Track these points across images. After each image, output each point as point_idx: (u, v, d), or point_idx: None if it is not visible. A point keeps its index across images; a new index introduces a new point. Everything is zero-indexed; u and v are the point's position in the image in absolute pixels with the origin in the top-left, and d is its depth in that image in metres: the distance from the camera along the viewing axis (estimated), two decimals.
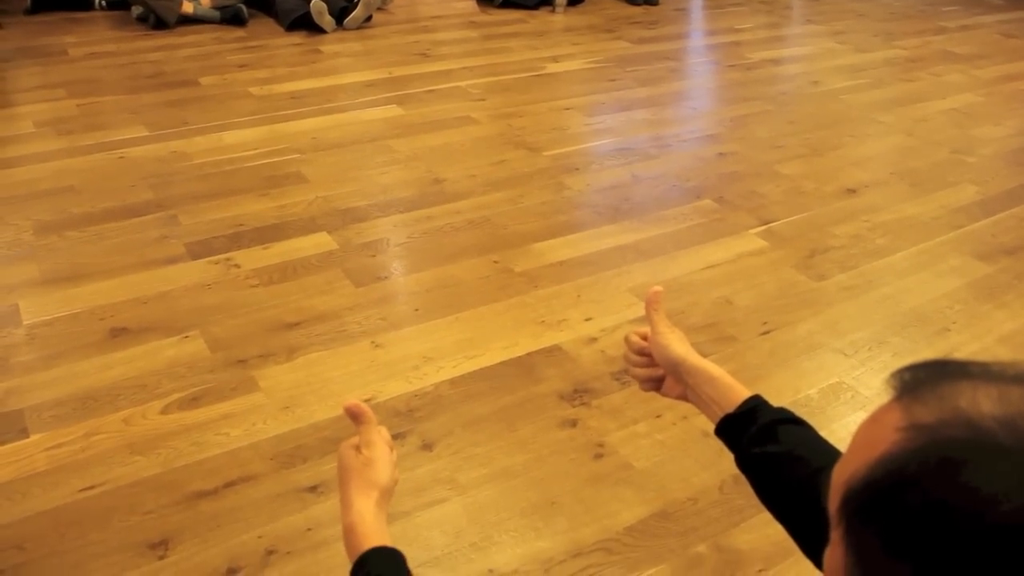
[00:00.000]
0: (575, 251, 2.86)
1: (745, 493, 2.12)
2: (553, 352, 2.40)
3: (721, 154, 3.68)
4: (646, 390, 1.23)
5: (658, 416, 2.22)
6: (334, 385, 2.18)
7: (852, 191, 3.50)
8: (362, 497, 1.02)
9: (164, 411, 2.05)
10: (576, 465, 2.04)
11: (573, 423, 2.16)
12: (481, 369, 2.30)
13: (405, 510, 1.86)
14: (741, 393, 1.11)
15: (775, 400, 1.12)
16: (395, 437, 2.03)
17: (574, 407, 2.21)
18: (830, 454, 1.01)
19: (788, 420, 1.07)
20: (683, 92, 4.38)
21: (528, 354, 2.37)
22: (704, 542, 1.88)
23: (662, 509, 1.95)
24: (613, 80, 4.36)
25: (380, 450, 1.06)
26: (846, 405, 2.29)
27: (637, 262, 2.84)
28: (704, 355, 2.48)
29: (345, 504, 1.02)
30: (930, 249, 3.15)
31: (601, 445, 2.11)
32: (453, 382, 2.24)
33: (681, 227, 3.08)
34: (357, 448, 1.06)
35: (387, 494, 1.05)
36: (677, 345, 1.19)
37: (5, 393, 2.10)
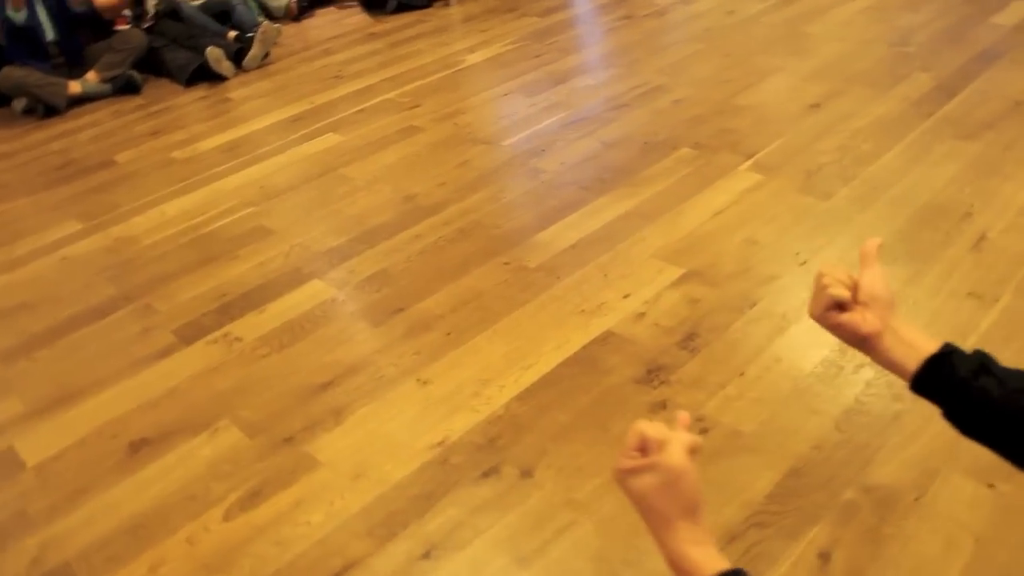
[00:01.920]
0: (580, 232, 2.68)
1: (863, 426, 2.01)
2: (608, 339, 2.21)
3: (676, 101, 3.54)
4: (824, 318, 1.03)
5: (741, 374, 2.06)
6: (398, 436, 1.96)
7: (816, 106, 3.41)
8: (687, 527, 0.86)
9: (227, 517, 1.80)
10: None
11: (663, 405, 1.99)
12: (543, 376, 2.10)
13: (535, 547, 1.66)
14: (934, 339, 0.97)
15: None
16: (488, 473, 1.83)
17: (655, 388, 2.04)
18: None
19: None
20: (612, 51, 4.24)
21: (583, 347, 2.19)
22: (849, 487, 1.73)
23: (792, 467, 1.80)
24: (538, 56, 4.19)
25: (674, 452, 0.89)
26: (911, 311, 2.18)
27: (647, 226, 2.68)
28: (754, 300, 2.36)
29: (673, 543, 0.86)
30: (915, 142, 3.08)
31: (701, 419, 1.94)
32: (521, 398, 2.04)
33: (672, 181, 2.93)
34: (645, 468, 0.89)
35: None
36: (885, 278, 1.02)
37: (40, 549, 1.81)
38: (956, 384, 0.94)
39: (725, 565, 0.82)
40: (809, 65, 3.82)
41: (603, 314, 2.31)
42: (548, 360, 2.16)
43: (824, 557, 1.59)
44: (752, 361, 2.11)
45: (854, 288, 1.02)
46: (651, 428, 0.91)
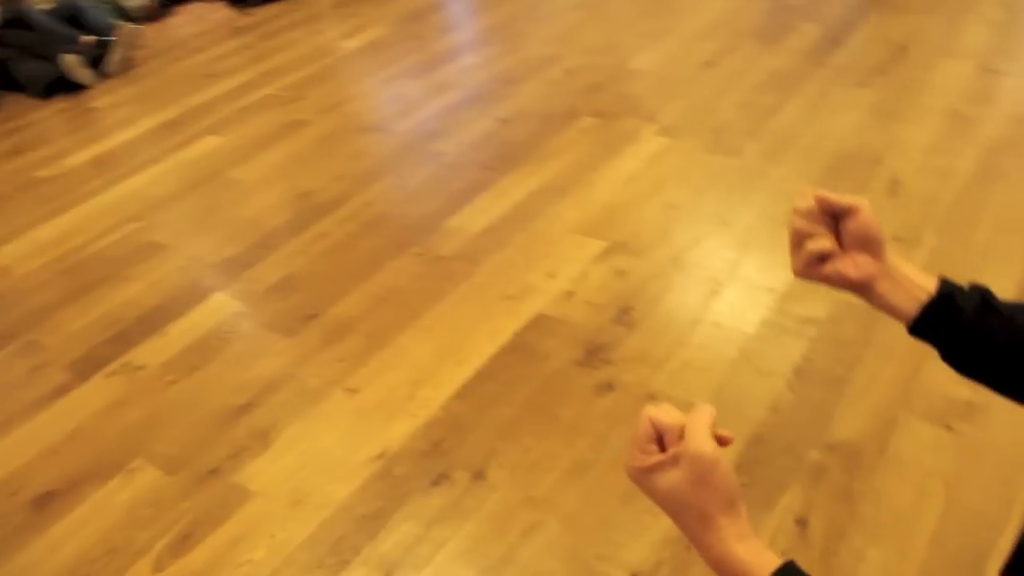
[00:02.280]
0: (492, 213, 2.56)
1: (815, 384, 1.94)
2: (540, 322, 2.11)
3: (568, 71, 3.45)
4: (808, 273, 0.91)
5: (684, 344, 1.98)
6: (334, 452, 1.80)
7: (710, 64, 3.37)
8: (729, 522, 0.73)
9: (157, 567, 1.61)
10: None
11: (609, 386, 1.89)
12: (479, 370, 1.98)
13: (501, 554, 1.54)
14: (931, 276, 0.89)
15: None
16: (437, 481, 1.70)
17: (598, 368, 1.95)
18: None
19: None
20: (494, 26, 4.11)
21: (516, 335, 2.07)
22: (813, 448, 1.68)
23: (752, 434, 1.73)
24: (418, 37, 4.03)
25: (699, 439, 0.74)
26: None
27: (560, 201, 2.58)
28: (682, 265, 2.29)
29: (717, 542, 0.73)
30: (813, 92, 3.07)
31: (652, 396, 1.85)
32: (459, 396, 1.91)
33: (578, 152, 2.84)
34: (668, 463, 0.75)
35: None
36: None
37: None
38: (959, 326, 0.87)
39: (776, 560, 0.72)
40: (696, 24, 3.78)
41: (531, 297, 2.20)
42: (481, 352, 2.04)
43: (802, 523, 1.52)
44: (692, 329, 2.04)
45: (837, 234, 0.93)
46: (664, 413, 0.77)
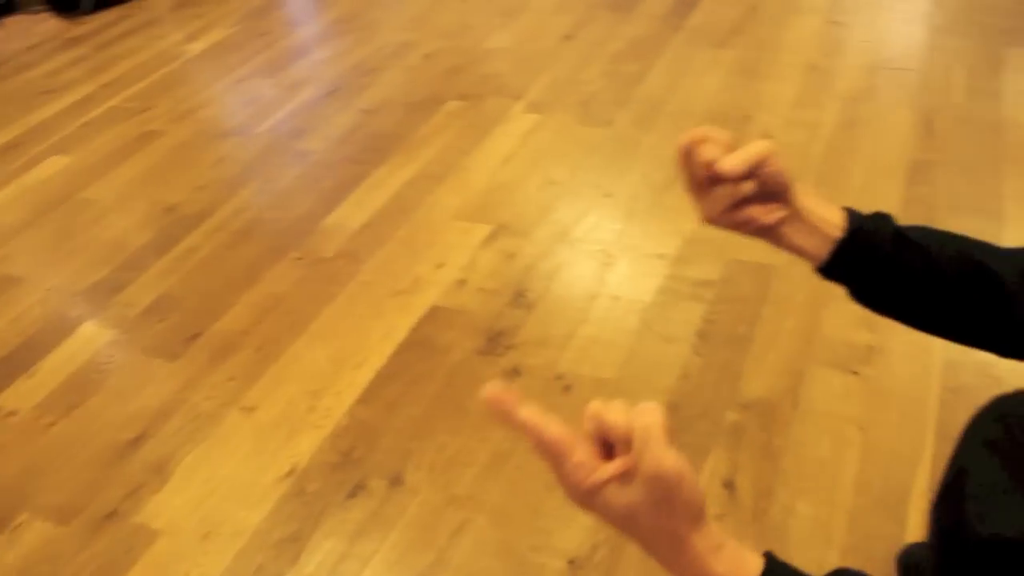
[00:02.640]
0: (369, 208, 2.47)
1: (719, 344, 1.96)
2: (436, 315, 2.05)
3: (427, 56, 3.37)
4: (722, 219, 0.87)
5: (585, 320, 1.97)
6: (240, 476, 1.70)
7: (569, 37, 3.36)
8: (701, 536, 0.64)
9: None
10: (553, 411, 1.73)
11: (516, 371, 1.86)
12: (379, 371, 1.91)
13: (432, 559, 1.49)
14: (836, 207, 0.87)
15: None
16: (354, 492, 1.63)
17: (502, 355, 1.91)
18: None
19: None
20: (344, 16, 3.98)
21: (413, 330, 2.01)
22: (728, 410, 1.69)
23: (667, 403, 1.73)
24: (267, 33, 3.87)
25: (657, 452, 0.61)
26: None
27: (437, 188, 2.52)
28: (571, 241, 2.28)
29: (691, 562, 0.64)
30: (674, 56, 3.10)
31: (560, 377, 1.83)
32: (363, 401, 1.84)
33: (449, 137, 2.78)
34: (624, 477, 0.63)
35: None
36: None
37: None
38: (874, 264, 0.85)
39: (759, 562, 0.67)
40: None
41: (422, 290, 2.14)
42: (379, 353, 1.97)
43: (729, 486, 1.53)
44: (591, 304, 2.02)
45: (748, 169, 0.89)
46: (610, 412, 0.64)
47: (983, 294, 0.85)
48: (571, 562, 1.44)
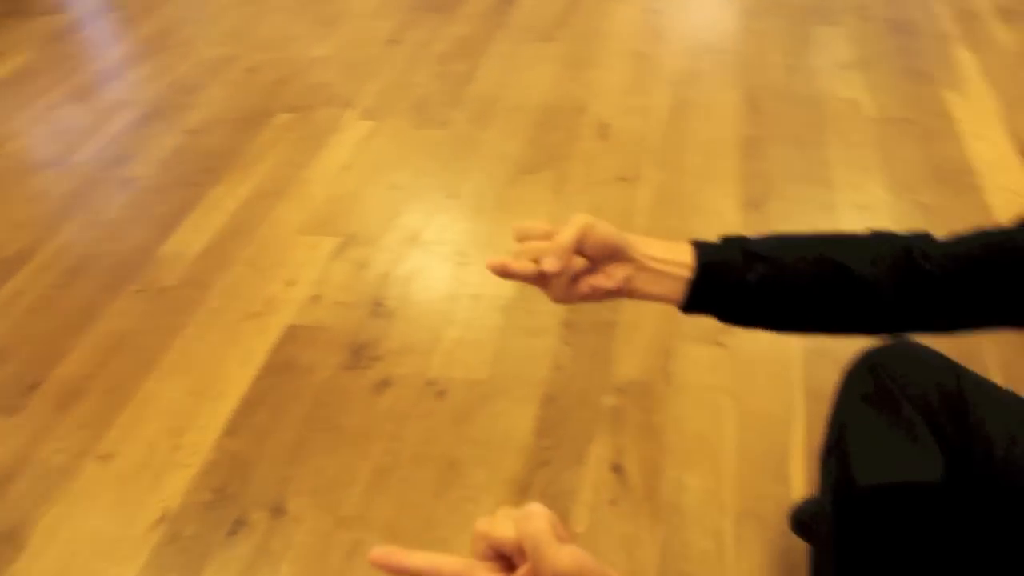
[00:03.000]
0: (208, 231, 2.36)
1: (589, 331, 1.98)
2: (294, 334, 1.98)
3: (250, 69, 3.25)
4: (570, 296, 0.87)
5: (447, 323, 1.95)
6: (106, 531, 1.59)
7: (394, 41, 3.32)
8: None
9: None
10: (430, 418, 1.72)
11: (386, 382, 1.82)
12: (243, 399, 1.83)
13: None
14: (681, 245, 0.90)
15: None
16: (234, 529, 1.55)
17: (370, 368, 1.87)
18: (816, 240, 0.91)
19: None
20: (156, 33, 3.78)
21: (272, 353, 1.94)
22: (604, 395, 1.72)
23: (544, 395, 1.74)
24: (72, 57, 3.62)
25: (548, 555, 0.58)
26: (571, 207, 2.21)
27: (278, 204, 2.44)
28: (422, 245, 2.26)
29: None
30: (502, 53, 3.13)
31: (432, 383, 1.81)
32: (230, 432, 1.75)
33: (283, 151, 2.70)
34: None
35: None
36: (606, 224, 0.91)
37: None
38: (729, 292, 0.88)
39: None
40: (366, 5, 3.71)
41: (276, 310, 2.06)
42: (239, 380, 1.88)
43: (617, 469, 1.55)
44: (452, 306, 2.01)
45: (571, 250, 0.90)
46: (495, 528, 0.62)
47: (842, 290, 0.87)
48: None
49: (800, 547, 1.36)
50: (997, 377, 1.63)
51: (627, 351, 1.80)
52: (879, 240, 0.89)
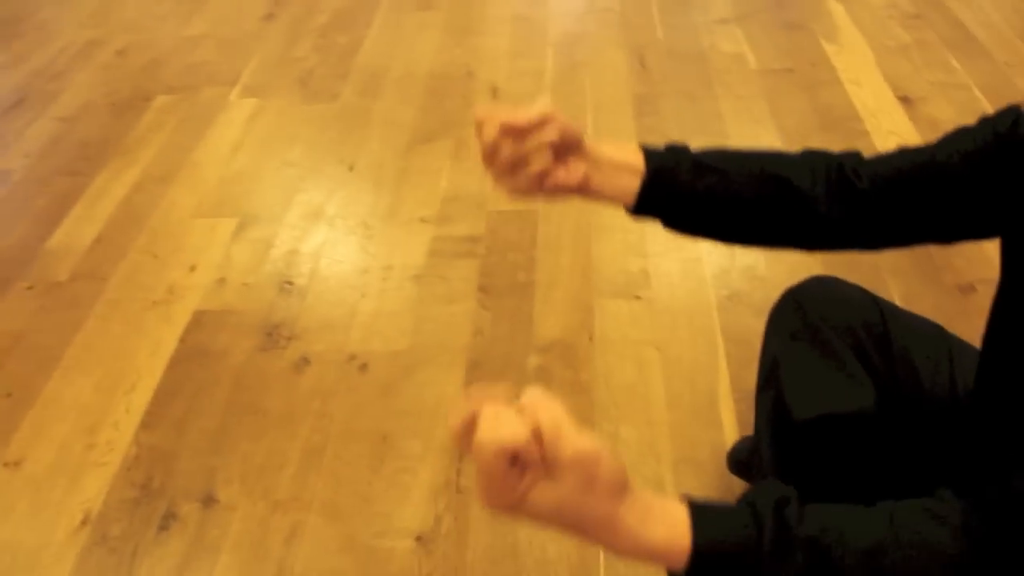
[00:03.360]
0: (97, 221, 2.25)
1: (503, 295, 1.98)
2: (202, 320, 1.92)
3: (120, 52, 3.10)
4: (532, 189, 0.87)
5: (362, 295, 1.93)
6: (26, 542, 1.49)
7: (270, 16, 3.23)
8: (628, 508, 0.63)
9: None
10: (355, 393, 1.70)
11: (305, 360, 1.79)
12: (157, 391, 1.76)
13: (273, 573, 1.40)
14: (631, 148, 0.92)
15: None
16: (165, 524, 1.50)
17: (286, 347, 1.82)
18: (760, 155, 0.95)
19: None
20: (9, 17, 3.59)
21: (182, 341, 1.87)
22: (529, 355, 1.73)
23: (468, 361, 1.74)
24: None
25: (567, 438, 0.60)
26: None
27: (168, 188, 2.34)
28: (318, 218, 2.26)
29: (626, 538, 0.63)
30: (383, 23, 3.08)
31: (353, 358, 1.78)
32: (147, 425, 1.69)
33: (167, 134, 2.59)
34: (542, 481, 0.60)
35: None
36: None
37: None
38: (679, 196, 0.90)
39: (686, 520, 0.64)
40: None
41: (180, 297, 1.99)
42: (150, 371, 1.81)
43: None
44: (364, 279, 1.98)
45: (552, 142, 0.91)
46: (508, 429, 0.58)
47: (784, 203, 0.91)
48: (419, 539, 1.42)
49: (739, 487, 1.40)
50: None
51: (546, 311, 1.81)
52: (814, 157, 0.93)
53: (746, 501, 0.68)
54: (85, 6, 3.53)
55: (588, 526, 0.62)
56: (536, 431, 0.59)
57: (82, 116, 2.75)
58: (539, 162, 0.84)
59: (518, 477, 0.59)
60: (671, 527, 0.64)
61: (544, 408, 0.60)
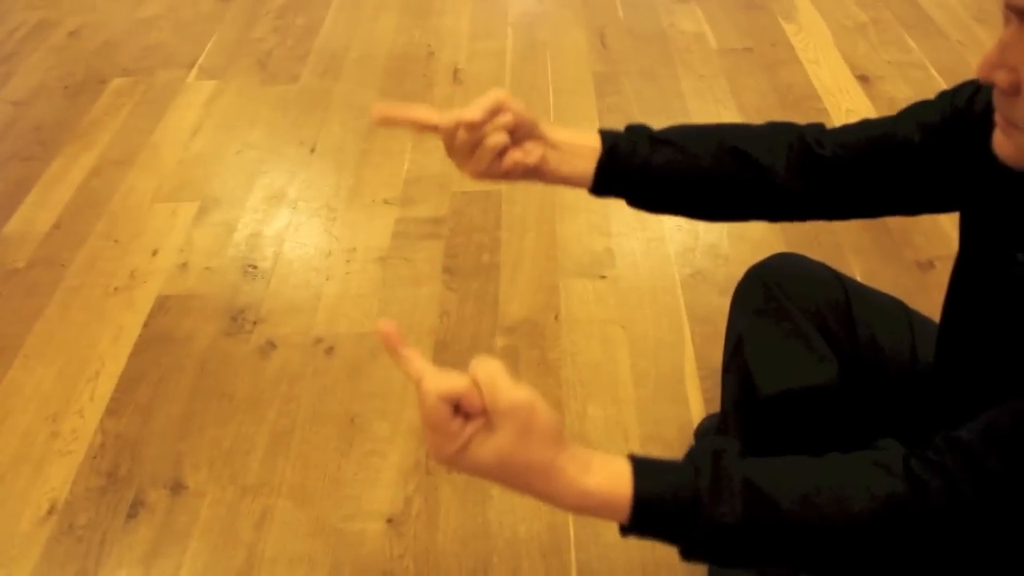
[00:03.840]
0: (54, 206, 2.20)
1: (468, 276, 1.99)
2: (166, 305, 1.90)
3: (73, 33, 3.04)
4: (490, 172, 0.89)
5: (328, 278, 1.92)
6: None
7: (223, 2, 3.19)
8: (567, 458, 0.67)
9: None
10: (322, 376, 1.70)
11: (271, 344, 1.78)
12: (121, 378, 1.74)
13: (244, 557, 1.40)
14: (588, 131, 0.94)
15: None
16: (133, 512, 1.49)
17: (252, 332, 1.82)
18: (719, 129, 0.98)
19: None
20: None
21: (145, 327, 1.85)
22: (491, 336, 1.74)
23: (435, 342, 1.75)
24: None
25: (501, 388, 0.65)
26: None
27: (127, 172, 2.31)
28: (286, 202, 2.20)
29: (566, 488, 0.67)
30: (343, 3, 3.05)
31: (320, 340, 1.78)
32: (112, 412, 1.67)
33: (124, 117, 2.54)
34: (482, 432, 0.65)
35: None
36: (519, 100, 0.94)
37: None
38: (637, 172, 0.92)
39: (627, 471, 0.68)
40: None
41: (142, 282, 1.97)
42: (114, 357, 1.79)
43: None
44: (328, 262, 1.97)
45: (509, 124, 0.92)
46: (448, 382, 0.65)
47: (743, 175, 0.93)
48: (389, 521, 1.42)
49: None
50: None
51: (512, 292, 1.82)
52: (776, 129, 0.95)
53: (687, 455, 0.71)
54: None
55: (532, 476, 0.66)
56: (476, 384, 0.65)
57: (35, 99, 2.69)
58: (495, 140, 0.85)
59: (461, 425, 0.65)
60: (613, 477, 0.68)
61: (482, 365, 0.66)
